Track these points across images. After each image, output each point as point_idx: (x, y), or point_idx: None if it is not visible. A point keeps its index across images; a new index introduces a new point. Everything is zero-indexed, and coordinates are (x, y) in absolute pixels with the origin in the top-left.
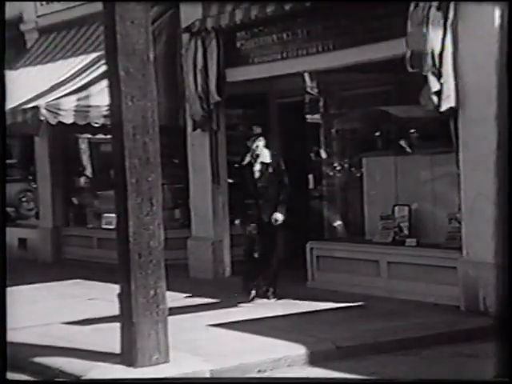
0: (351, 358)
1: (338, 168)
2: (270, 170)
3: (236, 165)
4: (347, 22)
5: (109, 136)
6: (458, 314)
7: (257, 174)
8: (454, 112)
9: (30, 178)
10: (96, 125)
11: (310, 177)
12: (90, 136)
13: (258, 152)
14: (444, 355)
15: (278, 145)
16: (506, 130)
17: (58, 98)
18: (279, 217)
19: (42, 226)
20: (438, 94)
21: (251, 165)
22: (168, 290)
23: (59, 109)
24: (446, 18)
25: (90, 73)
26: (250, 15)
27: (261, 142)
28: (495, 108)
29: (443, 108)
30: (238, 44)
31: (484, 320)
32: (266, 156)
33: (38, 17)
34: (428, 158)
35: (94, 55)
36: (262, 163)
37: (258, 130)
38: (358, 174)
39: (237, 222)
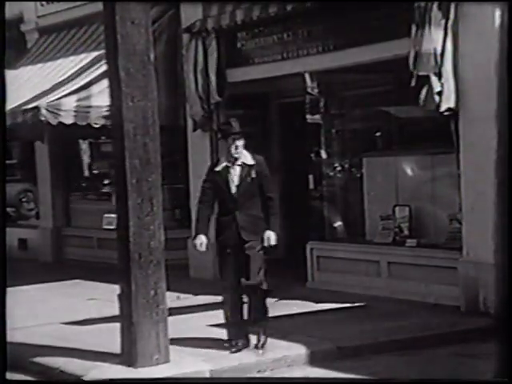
0: (351, 358)
1: (339, 168)
2: (253, 174)
3: (210, 170)
4: (348, 22)
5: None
6: (458, 314)
7: (235, 180)
8: (454, 112)
9: (30, 178)
10: (96, 126)
11: (311, 177)
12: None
13: (237, 155)
14: (444, 355)
15: (279, 145)
16: (506, 130)
17: (59, 98)
18: (273, 236)
19: (42, 227)
20: (439, 94)
21: (227, 170)
22: (168, 290)
23: (59, 109)
24: (446, 18)
25: (91, 72)
26: (251, 15)
27: (241, 142)
28: (495, 108)
29: (442, 108)
30: (239, 44)
31: (484, 320)
32: (247, 158)
33: (39, 17)
34: (428, 159)
35: (94, 54)
36: (243, 166)
37: (237, 127)
38: (359, 175)
39: (199, 241)
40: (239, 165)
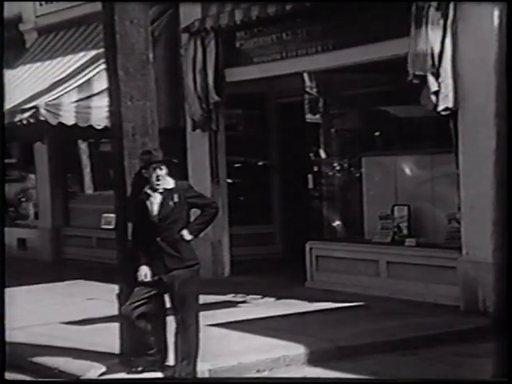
0: (351, 358)
1: (338, 168)
2: (176, 198)
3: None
4: (347, 22)
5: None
6: (458, 313)
7: (155, 208)
8: (452, 112)
9: (30, 177)
10: (98, 127)
11: (310, 177)
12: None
13: (159, 183)
14: (443, 355)
15: (278, 145)
16: (505, 130)
17: (58, 97)
18: (186, 234)
19: (41, 226)
20: (437, 94)
21: (148, 197)
22: None
23: (59, 109)
24: (445, 18)
25: (90, 71)
26: (250, 15)
27: (163, 171)
28: (495, 108)
29: (440, 108)
30: (238, 44)
31: (483, 320)
32: (169, 183)
33: (37, 17)
34: (428, 158)
35: (93, 54)
36: (164, 192)
37: (158, 155)
38: (358, 174)
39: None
40: (160, 192)
